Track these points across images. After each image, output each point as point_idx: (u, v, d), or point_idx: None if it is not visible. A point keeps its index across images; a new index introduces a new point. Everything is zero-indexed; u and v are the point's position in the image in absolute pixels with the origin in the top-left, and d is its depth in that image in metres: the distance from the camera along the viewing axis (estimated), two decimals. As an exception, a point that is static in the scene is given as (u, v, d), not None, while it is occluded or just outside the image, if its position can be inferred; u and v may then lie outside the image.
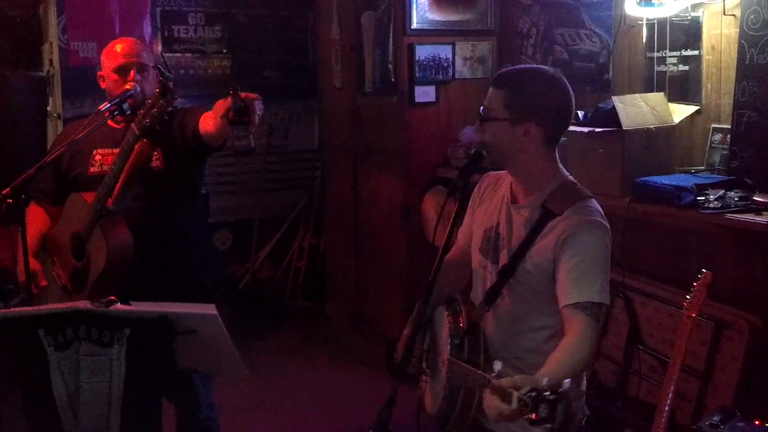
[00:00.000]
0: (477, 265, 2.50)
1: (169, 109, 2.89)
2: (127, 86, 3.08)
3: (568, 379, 1.79)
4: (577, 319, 2.16)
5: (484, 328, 2.38)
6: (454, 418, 2.34)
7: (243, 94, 2.77)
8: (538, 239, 2.27)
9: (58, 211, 3.24)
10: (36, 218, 3.22)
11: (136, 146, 2.93)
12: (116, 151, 3.15)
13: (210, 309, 2.40)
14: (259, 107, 2.79)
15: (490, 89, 2.35)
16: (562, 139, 2.40)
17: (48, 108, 6.02)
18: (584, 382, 2.47)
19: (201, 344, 2.46)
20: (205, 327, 2.42)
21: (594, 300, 2.18)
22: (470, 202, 2.57)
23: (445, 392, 2.33)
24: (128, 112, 3.09)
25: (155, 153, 3.09)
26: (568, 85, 2.34)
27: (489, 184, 2.54)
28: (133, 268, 3.02)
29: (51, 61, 5.91)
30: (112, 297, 2.42)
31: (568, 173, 2.39)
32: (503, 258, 2.37)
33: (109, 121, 3.16)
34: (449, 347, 2.34)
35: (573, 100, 2.34)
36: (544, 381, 1.80)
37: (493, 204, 2.47)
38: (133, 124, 2.94)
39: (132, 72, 3.12)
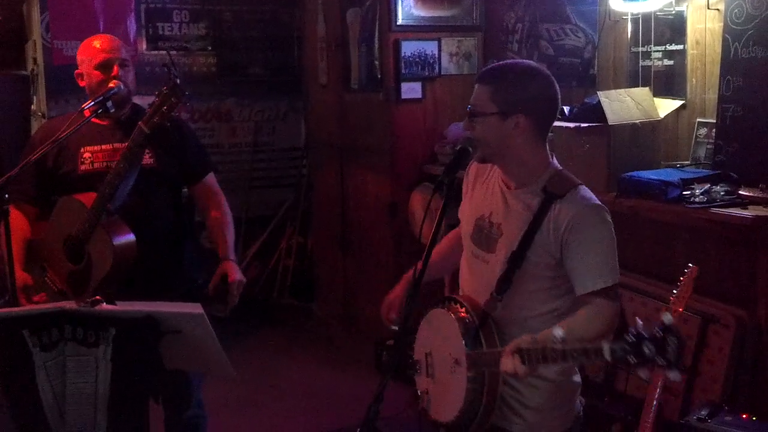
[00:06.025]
0: (470, 255, 2.49)
1: (180, 105, 2.90)
2: (112, 84, 3.06)
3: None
4: (594, 302, 2.28)
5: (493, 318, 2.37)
6: (480, 412, 2.32)
7: (230, 278, 3.12)
8: (544, 223, 2.29)
9: (36, 212, 3.20)
10: (18, 225, 3.11)
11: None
12: (105, 147, 3.13)
13: (196, 308, 2.39)
14: (238, 288, 3.12)
15: (476, 86, 2.35)
16: (549, 134, 2.40)
17: (32, 107, 5.99)
18: (578, 375, 2.48)
19: (188, 344, 2.45)
20: (191, 326, 2.41)
21: (609, 284, 2.29)
22: (464, 188, 2.56)
23: (468, 386, 2.30)
24: (112, 110, 3.07)
25: (147, 151, 3.08)
26: (551, 75, 2.37)
27: (477, 171, 2.53)
28: (134, 266, 3.00)
29: (35, 59, 5.87)
30: (98, 297, 2.40)
31: (559, 164, 2.40)
32: (501, 246, 2.36)
33: (93, 118, 3.14)
34: (463, 344, 2.32)
35: (558, 89, 2.37)
36: (559, 332, 1.99)
37: (486, 193, 2.47)
38: (141, 123, 2.93)
39: (115, 67, 3.10)
